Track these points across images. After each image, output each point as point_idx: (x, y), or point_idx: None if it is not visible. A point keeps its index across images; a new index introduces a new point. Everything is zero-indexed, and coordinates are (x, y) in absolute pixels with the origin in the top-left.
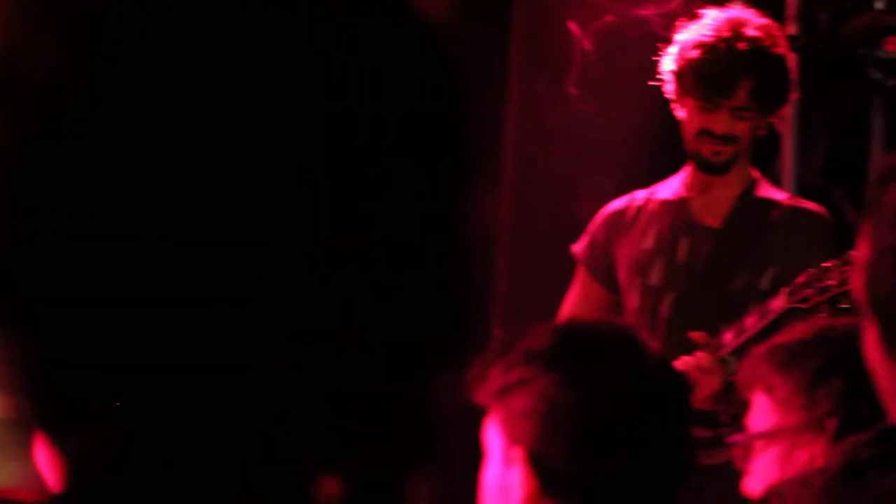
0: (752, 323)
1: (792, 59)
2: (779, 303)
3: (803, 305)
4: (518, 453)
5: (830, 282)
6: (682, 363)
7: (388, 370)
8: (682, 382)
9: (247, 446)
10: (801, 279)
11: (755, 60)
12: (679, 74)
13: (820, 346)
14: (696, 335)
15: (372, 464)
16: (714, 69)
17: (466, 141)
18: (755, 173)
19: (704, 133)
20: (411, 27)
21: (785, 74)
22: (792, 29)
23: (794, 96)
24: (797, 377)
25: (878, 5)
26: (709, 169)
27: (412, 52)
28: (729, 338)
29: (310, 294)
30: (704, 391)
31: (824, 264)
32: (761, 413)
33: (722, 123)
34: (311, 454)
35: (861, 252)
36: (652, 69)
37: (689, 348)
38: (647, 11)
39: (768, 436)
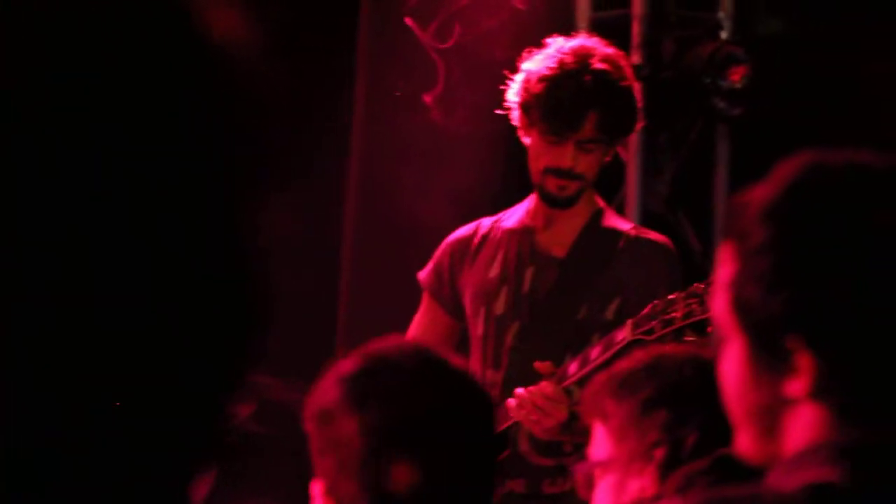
0: (596, 354)
1: (637, 89)
2: (623, 334)
3: (647, 338)
4: (319, 488)
5: (675, 314)
6: (527, 393)
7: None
8: (484, 400)
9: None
10: (645, 311)
11: (601, 93)
12: (524, 107)
13: (651, 375)
14: (541, 365)
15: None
16: (560, 104)
17: (308, 152)
18: (601, 202)
19: (549, 170)
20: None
21: (631, 105)
22: (636, 58)
23: (639, 125)
24: (628, 407)
25: (723, 35)
26: (554, 203)
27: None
28: (573, 368)
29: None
30: (549, 421)
31: (670, 296)
32: (600, 442)
33: (568, 158)
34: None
35: (724, 273)
36: (501, 94)
37: (534, 378)
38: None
39: (603, 465)
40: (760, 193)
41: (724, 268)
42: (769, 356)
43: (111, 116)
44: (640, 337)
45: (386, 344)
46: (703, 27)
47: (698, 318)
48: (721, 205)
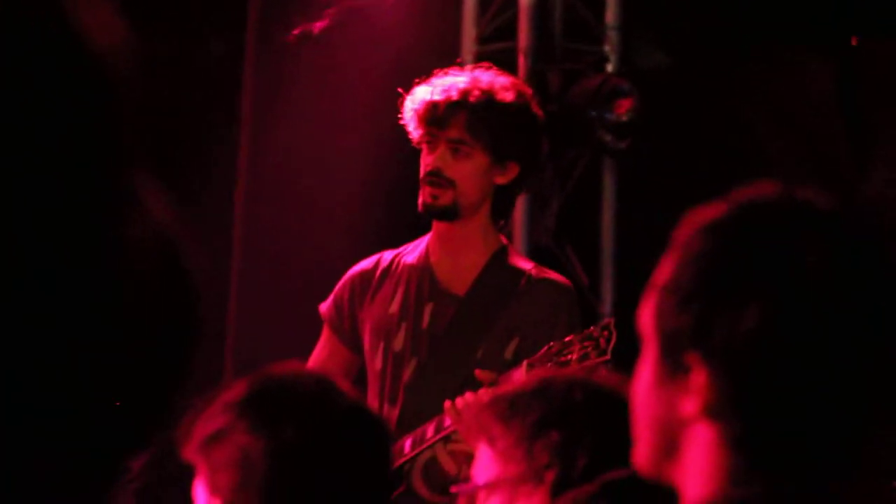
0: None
1: (526, 112)
2: (518, 375)
3: None
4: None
5: (571, 356)
6: (459, 402)
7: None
8: (377, 425)
9: None
10: (541, 353)
11: (471, 95)
12: (411, 119)
13: (540, 397)
14: (482, 374)
15: None
16: (434, 104)
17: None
18: (504, 241)
19: (423, 176)
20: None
21: (510, 116)
22: None
23: (526, 150)
24: (517, 429)
25: (609, 68)
26: (428, 213)
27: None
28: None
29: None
30: None
31: (566, 339)
32: (484, 464)
33: (440, 159)
34: None
35: (658, 279)
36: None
37: (430, 415)
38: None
39: (489, 487)
40: (710, 209)
41: (661, 273)
42: (671, 369)
43: None
44: None
45: (282, 369)
46: (588, 60)
47: (593, 361)
48: (608, 238)
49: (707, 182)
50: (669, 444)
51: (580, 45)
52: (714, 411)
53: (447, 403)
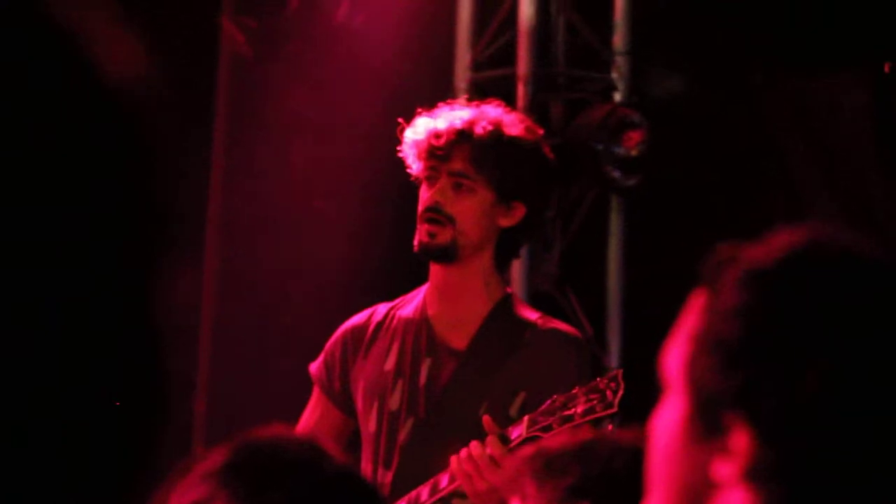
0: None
1: (535, 150)
2: (518, 431)
3: (544, 435)
4: None
5: (575, 410)
6: (468, 452)
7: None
8: (369, 493)
9: None
10: (544, 406)
11: (478, 127)
12: (408, 153)
13: (578, 461)
14: (487, 421)
15: None
16: (436, 136)
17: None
18: (509, 290)
19: (422, 213)
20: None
21: (516, 153)
22: None
23: (533, 189)
24: (549, 491)
25: (617, 97)
26: (424, 253)
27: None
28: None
29: None
30: (482, 484)
31: (572, 392)
32: None
33: (440, 193)
34: None
35: (688, 323)
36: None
37: (427, 478)
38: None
39: None
40: (752, 253)
41: (691, 317)
42: (705, 428)
43: None
44: (536, 434)
45: (265, 433)
46: (594, 88)
47: (598, 415)
48: (615, 284)
49: (724, 222)
50: None
51: (585, 71)
52: (756, 476)
53: (452, 458)
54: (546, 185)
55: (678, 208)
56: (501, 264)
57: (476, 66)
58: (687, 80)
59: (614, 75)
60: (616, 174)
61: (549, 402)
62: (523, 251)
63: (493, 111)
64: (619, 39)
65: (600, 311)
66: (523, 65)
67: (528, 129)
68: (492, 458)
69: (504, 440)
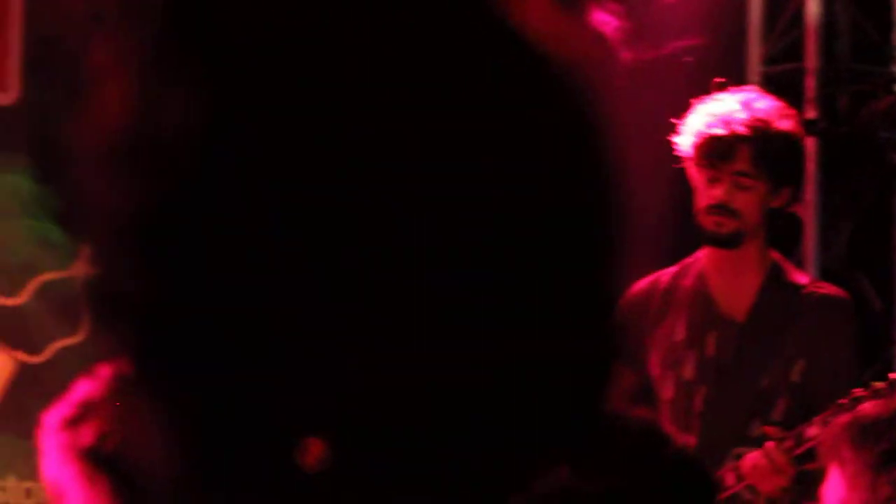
0: (813, 433)
1: (801, 138)
2: (813, 431)
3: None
4: None
5: None
6: (753, 458)
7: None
8: (703, 475)
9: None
10: (831, 410)
11: (754, 129)
12: (689, 146)
13: (893, 428)
14: (769, 430)
15: (360, 424)
16: (717, 137)
17: None
18: (775, 255)
19: (706, 207)
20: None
21: (789, 146)
22: (812, 113)
23: (808, 177)
24: (865, 456)
25: None
26: (712, 241)
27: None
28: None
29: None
30: (769, 484)
31: (856, 394)
32: (834, 485)
33: (723, 192)
34: (296, 417)
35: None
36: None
37: (723, 443)
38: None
39: None
40: None
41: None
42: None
43: None
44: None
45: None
46: (877, 81)
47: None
48: None
49: None
50: None
51: (869, 65)
52: None
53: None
54: (803, 162)
55: None
56: (773, 237)
57: (767, 60)
58: None
59: (895, 69)
60: None
61: (835, 406)
62: (814, 235)
63: (759, 104)
64: None
65: (888, 288)
66: (811, 59)
67: (793, 118)
68: (775, 466)
69: (798, 440)
